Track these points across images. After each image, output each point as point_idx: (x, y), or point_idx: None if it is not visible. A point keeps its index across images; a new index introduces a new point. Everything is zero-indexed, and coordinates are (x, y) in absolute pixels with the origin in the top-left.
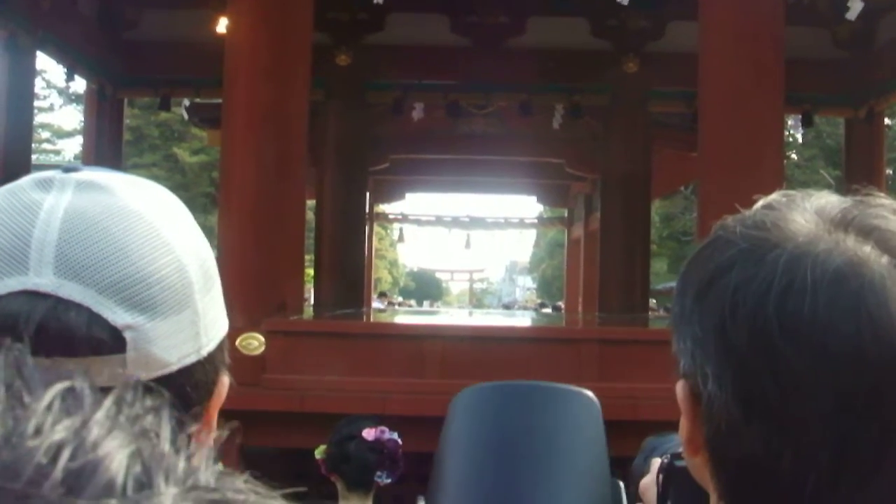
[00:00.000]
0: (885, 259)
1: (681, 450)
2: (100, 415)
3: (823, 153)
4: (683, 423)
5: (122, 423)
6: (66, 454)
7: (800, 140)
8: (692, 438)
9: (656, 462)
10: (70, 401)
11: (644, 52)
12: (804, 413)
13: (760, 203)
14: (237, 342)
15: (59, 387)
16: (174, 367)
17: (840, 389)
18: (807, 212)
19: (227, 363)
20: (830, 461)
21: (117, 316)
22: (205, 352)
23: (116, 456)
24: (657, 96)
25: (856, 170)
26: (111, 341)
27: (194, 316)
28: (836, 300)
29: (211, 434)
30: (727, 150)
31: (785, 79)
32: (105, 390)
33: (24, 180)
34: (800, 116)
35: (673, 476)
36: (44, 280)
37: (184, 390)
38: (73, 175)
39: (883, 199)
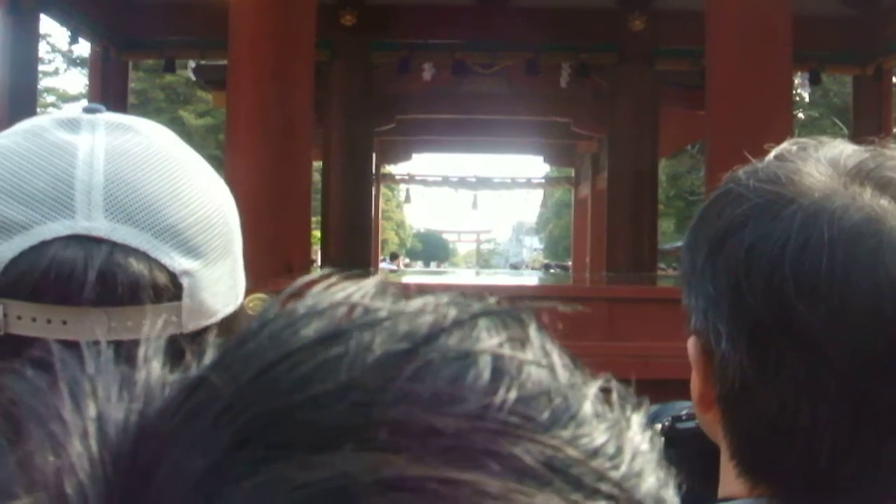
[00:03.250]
0: None
1: (682, 413)
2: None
3: (831, 112)
4: (695, 380)
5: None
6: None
7: (807, 99)
8: (704, 395)
9: (658, 428)
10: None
11: (651, 10)
12: (821, 373)
13: (772, 154)
14: (244, 303)
15: None
16: (220, 317)
17: (858, 348)
18: (821, 163)
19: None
20: (848, 422)
21: (174, 261)
22: (240, 301)
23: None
24: (664, 54)
25: (864, 128)
26: (171, 288)
27: (234, 263)
28: (853, 257)
29: None
30: (735, 108)
31: (792, 36)
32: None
33: (43, 120)
34: (807, 74)
35: (674, 439)
36: (95, 224)
37: None
38: (100, 116)
39: None
